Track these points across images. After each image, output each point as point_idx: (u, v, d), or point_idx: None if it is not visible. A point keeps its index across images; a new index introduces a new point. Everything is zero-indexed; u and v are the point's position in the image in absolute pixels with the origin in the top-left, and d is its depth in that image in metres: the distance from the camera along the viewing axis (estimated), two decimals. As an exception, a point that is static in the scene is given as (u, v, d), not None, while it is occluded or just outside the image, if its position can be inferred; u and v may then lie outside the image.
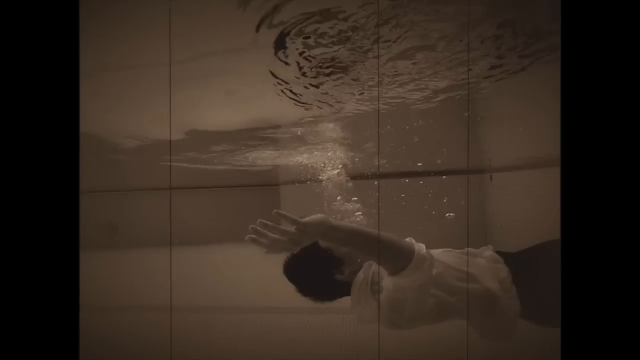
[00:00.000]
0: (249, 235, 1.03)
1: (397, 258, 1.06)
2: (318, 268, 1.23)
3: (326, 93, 2.84)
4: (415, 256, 1.06)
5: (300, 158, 5.49)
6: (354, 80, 2.43)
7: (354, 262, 1.24)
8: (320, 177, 5.14)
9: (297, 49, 2.07)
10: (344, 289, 1.25)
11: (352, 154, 5.09)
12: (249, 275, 5.41)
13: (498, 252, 1.31)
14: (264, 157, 5.96)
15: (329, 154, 5.10)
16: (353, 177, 4.89)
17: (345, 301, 1.29)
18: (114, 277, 5.28)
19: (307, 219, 1.02)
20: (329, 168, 5.14)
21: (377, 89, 2.93)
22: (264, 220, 1.03)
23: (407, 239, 1.14)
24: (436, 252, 1.29)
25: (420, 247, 1.10)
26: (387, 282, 1.12)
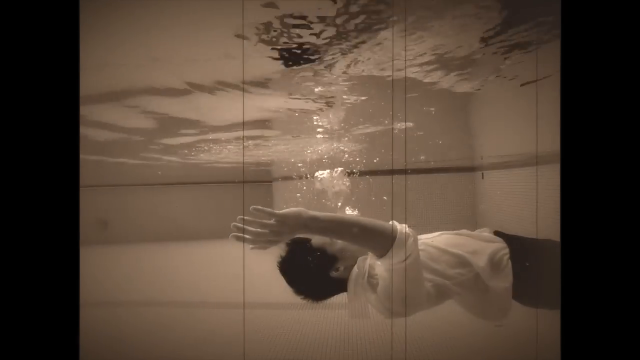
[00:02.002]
0: (232, 234, 1.05)
1: (380, 239, 1.07)
2: (312, 268, 1.22)
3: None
4: (398, 235, 1.08)
5: (294, 152, 5.47)
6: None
7: (349, 259, 1.23)
8: (315, 174, 5.14)
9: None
10: (340, 286, 1.25)
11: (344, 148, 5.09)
12: (239, 271, 5.38)
13: (496, 233, 1.33)
14: (258, 154, 5.92)
15: (322, 147, 5.10)
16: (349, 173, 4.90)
17: (339, 297, 1.29)
18: (105, 273, 5.20)
19: (284, 210, 1.05)
20: (324, 165, 5.13)
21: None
22: (243, 217, 1.06)
23: (390, 222, 1.15)
24: (432, 236, 1.32)
25: (402, 226, 1.11)
26: (381, 270, 1.13)
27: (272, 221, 1.04)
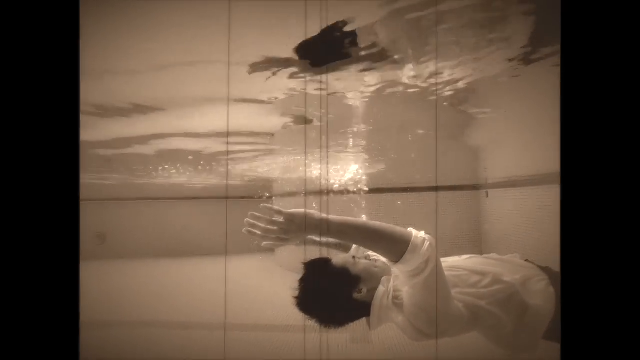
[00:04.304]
0: (245, 228, 1.08)
1: (393, 243, 1.03)
2: (334, 291, 1.16)
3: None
4: (413, 238, 1.02)
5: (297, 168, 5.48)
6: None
7: (373, 280, 1.18)
8: (320, 189, 5.12)
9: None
10: (362, 310, 1.17)
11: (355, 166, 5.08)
12: (240, 290, 5.28)
13: (527, 261, 1.29)
14: (261, 168, 5.94)
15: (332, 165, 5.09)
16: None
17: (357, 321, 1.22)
18: (102, 290, 5.12)
19: (293, 210, 1.05)
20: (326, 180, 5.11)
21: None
22: (254, 213, 1.07)
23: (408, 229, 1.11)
24: (460, 259, 1.28)
25: (419, 232, 1.06)
26: (406, 289, 1.08)
27: (280, 219, 1.04)
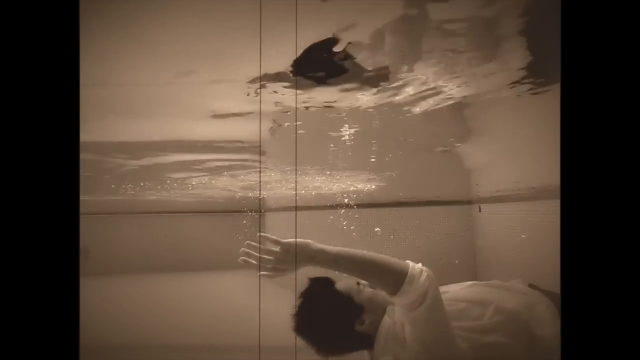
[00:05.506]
0: (240, 258, 1.07)
1: (390, 274, 1.02)
2: (335, 319, 1.12)
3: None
4: (410, 270, 1.02)
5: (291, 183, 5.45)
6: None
7: (376, 310, 1.13)
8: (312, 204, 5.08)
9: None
10: (364, 341, 1.12)
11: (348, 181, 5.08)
12: (231, 308, 5.11)
13: (530, 286, 1.26)
14: (250, 183, 5.90)
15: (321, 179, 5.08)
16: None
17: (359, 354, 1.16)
18: (90, 310, 4.85)
19: (290, 240, 1.05)
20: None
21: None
22: (250, 242, 1.07)
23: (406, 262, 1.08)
24: (460, 287, 1.25)
25: (416, 264, 1.05)
26: (406, 324, 1.04)
27: (277, 249, 1.03)
